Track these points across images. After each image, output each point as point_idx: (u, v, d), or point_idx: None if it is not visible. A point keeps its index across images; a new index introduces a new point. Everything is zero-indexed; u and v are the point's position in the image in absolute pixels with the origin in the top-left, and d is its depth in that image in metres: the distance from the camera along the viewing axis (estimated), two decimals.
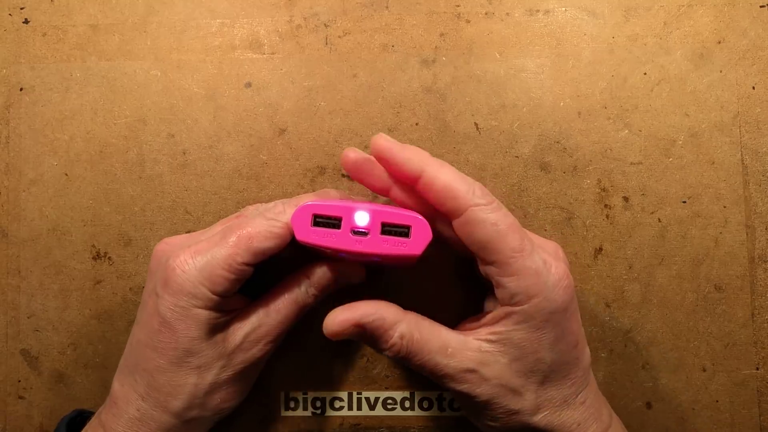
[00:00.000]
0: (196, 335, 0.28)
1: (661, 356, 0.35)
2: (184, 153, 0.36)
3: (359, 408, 0.35)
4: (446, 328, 0.28)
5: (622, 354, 0.35)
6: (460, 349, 0.27)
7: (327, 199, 0.28)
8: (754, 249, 0.35)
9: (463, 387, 0.27)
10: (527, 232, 0.29)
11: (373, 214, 0.26)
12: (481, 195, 0.26)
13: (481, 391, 0.27)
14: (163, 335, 0.28)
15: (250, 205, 0.33)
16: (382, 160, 0.28)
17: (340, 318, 0.27)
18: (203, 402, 0.29)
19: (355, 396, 0.35)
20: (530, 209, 0.35)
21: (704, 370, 0.35)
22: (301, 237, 0.27)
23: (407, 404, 0.35)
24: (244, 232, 0.28)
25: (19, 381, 0.36)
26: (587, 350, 0.29)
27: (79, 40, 0.37)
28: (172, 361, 0.28)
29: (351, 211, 0.26)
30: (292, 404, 0.35)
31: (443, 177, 0.27)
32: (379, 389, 0.35)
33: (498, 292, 0.27)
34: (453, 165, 0.35)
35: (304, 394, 0.35)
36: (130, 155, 0.36)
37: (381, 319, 0.27)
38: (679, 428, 0.34)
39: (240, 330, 0.29)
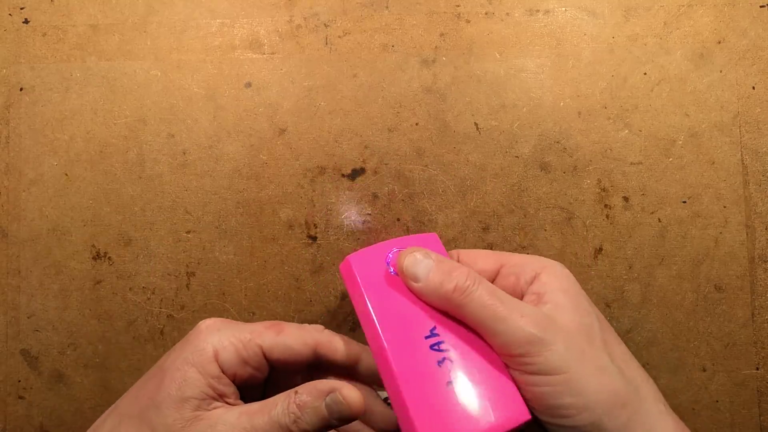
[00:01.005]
0: (173, 393, 0.26)
1: (661, 356, 0.35)
2: (184, 153, 0.36)
3: None
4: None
5: None
6: (524, 303, 0.27)
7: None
8: (754, 249, 0.35)
9: (543, 333, 0.26)
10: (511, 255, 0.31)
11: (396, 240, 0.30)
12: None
13: (559, 337, 0.26)
14: (151, 383, 0.27)
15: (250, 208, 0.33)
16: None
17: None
18: None
19: None
20: (530, 209, 0.35)
21: (704, 370, 0.35)
22: (350, 257, 0.29)
23: None
24: (278, 325, 0.29)
25: (19, 381, 0.36)
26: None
27: (79, 40, 0.37)
28: (139, 412, 0.27)
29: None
30: None
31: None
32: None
33: (518, 282, 0.29)
34: (453, 165, 0.36)
35: None
36: (130, 155, 0.36)
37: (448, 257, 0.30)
38: None
39: (211, 429, 0.26)
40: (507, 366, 0.27)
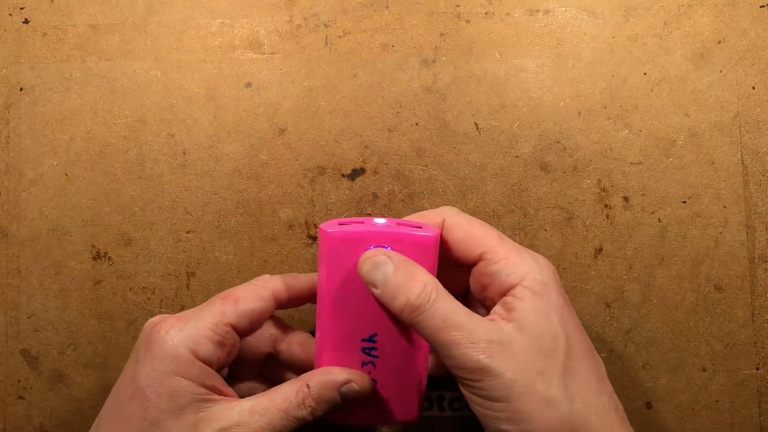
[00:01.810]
0: (166, 407, 0.25)
1: (661, 356, 0.35)
2: (184, 153, 0.36)
3: None
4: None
5: (622, 354, 0.35)
6: (482, 321, 0.26)
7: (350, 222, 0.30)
8: (754, 249, 0.35)
9: (490, 361, 0.25)
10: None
11: (389, 219, 0.29)
12: (455, 212, 0.30)
13: (508, 365, 0.25)
14: (133, 404, 0.26)
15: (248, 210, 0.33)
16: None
17: (375, 251, 0.28)
18: None
19: None
20: (530, 209, 0.35)
21: (704, 370, 0.35)
22: (329, 230, 0.28)
23: None
24: (231, 294, 0.28)
25: (19, 381, 0.36)
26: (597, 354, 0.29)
27: (79, 40, 0.37)
28: None
29: (368, 219, 0.29)
30: None
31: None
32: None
33: (493, 288, 0.28)
34: (453, 165, 0.36)
35: None
36: (130, 155, 0.36)
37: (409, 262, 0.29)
38: (679, 428, 0.34)
39: (216, 422, 0.26)
40: (458, 380, 0.27)
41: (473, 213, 0.35)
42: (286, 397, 0.27)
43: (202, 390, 0.26)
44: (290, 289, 0.30)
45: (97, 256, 0.36)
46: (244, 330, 0.29)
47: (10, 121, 0.37)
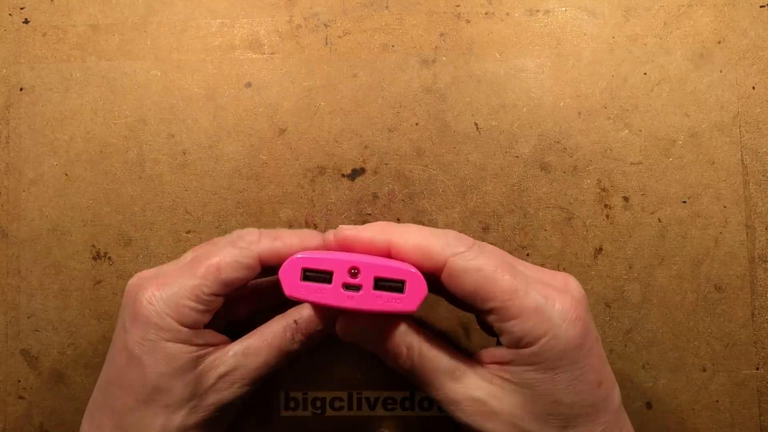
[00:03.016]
0: (164, 370, 0.26)
1: (661, 356, 0.35)
2: (184, 153, 0.36)
3: (359, 408, 0.35)
4: (460, 352, 0.27)
5: (622, 354, 0.35)
6: (471, 375, 0.26)
7: (317, 252, 0.27)
8: (754, 249, 0.35)
9: (470, 419, 0.26)
10: (525, 264, 0.27)
11: (366, 268, 0.25)
12: (458, 243, 0.25)
13: (492, 426, 0.25)
14: (131, 371, 0.27)
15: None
16: (351, 248, 0.27)
17: (352, 320, 0.27)
18: None
19: (355, 396, 0.35)
20: (530, 209, 0.35)
21: (704, 370, 0.35)
22: (290, 292, 0.26)
23: (407, 404, 0.35)
24: (212, 262, 0.27)
25: (19, 381, 0.36)
26: (616, 390, 0.27)
27: (79, 40, 0.37)
28: (140, 399, 0.26)
29: (343, 264, 0.26)
30: (292, 404, 0.35)
31: (411, 240, 0.26)
32: (379, 389, 0.35)
33: (503, 339, 0.26)
34: (453, 165, 0.36)
35: (304, 394, 0.35)
36: (130, 155, 0.36)
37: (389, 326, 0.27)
38: (679, 428, 0.34)
39: (214, 370, 0.27)
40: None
41: (473, 213, 0.35)
42: (276, 334, 0.28)
43: (194, 348, 0.27)
44: (280, 257, 0.28)
45: (97, 256, 0.36)
46: (228, 293, 0.28)
47: (10, 121, 0.37)
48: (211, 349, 0.28)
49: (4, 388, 0.36)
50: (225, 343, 0.28)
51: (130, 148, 0.36)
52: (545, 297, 0.25)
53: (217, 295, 0.27)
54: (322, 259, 0.26)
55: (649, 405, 0.35)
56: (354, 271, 0.25)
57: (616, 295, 0.35)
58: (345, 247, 0.27)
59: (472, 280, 0.25)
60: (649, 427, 0.35)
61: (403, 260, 0.26)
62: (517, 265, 0.27)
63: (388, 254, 0.26)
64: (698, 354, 0.35)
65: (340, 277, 0.25)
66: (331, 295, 0.25)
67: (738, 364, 0.35)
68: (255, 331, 0.29)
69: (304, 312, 0.28)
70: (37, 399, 0.36)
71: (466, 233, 0.35)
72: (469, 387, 0.26)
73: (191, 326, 0.27)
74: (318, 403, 0.35)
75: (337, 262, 0.26)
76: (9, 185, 0.36)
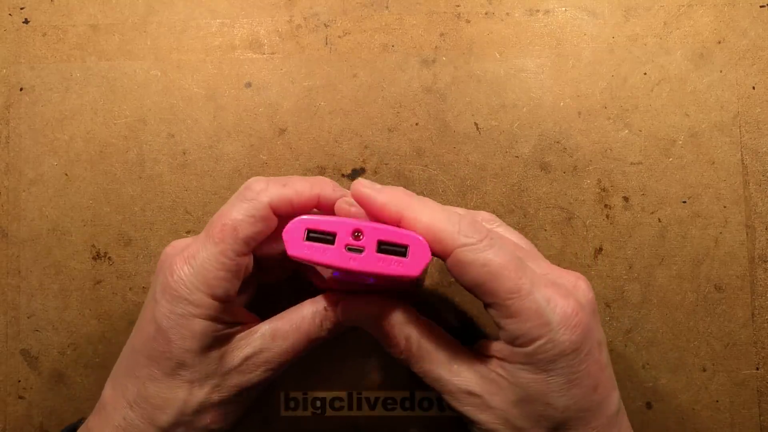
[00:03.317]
0: (190, 347, 0.26)
1: (661, 356, 0.35)
2: (184, 153, 0.36)
3: (359, 408, 0.35)
4: (459, 344, 0.28)
5: (622, 354, 0.35)
6: (467, 369, 0.26)
7: (322, 216, 0.27)
8: (754, 249, 0.35)
9: (464, 409, 0.26)
10: (538, 261, 0.27)
11: (370, 231, 0.25)
12: (469, 232, 0.25)
13: (485, 418, 0.26)
14: (157, 343, 0.26)
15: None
16: (363, 206, 0.27)
17: (353, 304, 0.27)
18: (191, 420, 0.27)
19: (355, 396, 0.35)
20: (530, 209, 0.35)
21: (704, 370, 0.35)
22: (292, 252, 0.25)
23: (407, 404, 0.35)
24: (227, 222, 0.26)
25: (19, 381, 0.36)
26: (615, 395, 0.26)
27: (79, 40, 0.37)
28: (165, 372, 0.27)
29: (347, 227, 0.25)
30: (292, 404, 0.35)
31: (424, 219, 0.25)
32: (379, 389, 0.35)
33: (501, 334, 0.26)
34: (453, 165, 0.36)
35: (304, 394, 0.35)
36: (130, 155, 0.36)
37: (390, 314, 0.27)
38: (679, 428, 0.34)
39: (240, 351, 0.27)
40: None
41: None
42: (305, 319, 0.28)
43: (221, 326, 0.27)
44: (292, 204, 0.27)
45: (97, 256, 0.36)
46: (251, 250, 0.27)
47: (10, 121, 0.37)
48: (238, 327, 0.28)
49: (4, 388, 0.36)
50: (254, 322, 0.28)
51: (130, 148, 0.36)
52: (548, 300, 0.25)
53: (241, 255, 0.26)
54: (327, 221, 0.25)
55: (649, 405, 0.35)
56: (357, 234, 0.25)
57: (616, 295, 0.35)
58: (359, 203, 0.27)
59: (476, 273, 0.24)
60: (649, 427, 0.35)
61: None
62: (528, 260, 0.26)
63: (398, 225, 0.26)
64: (698, 354, 0.35)
65: (344, 238, 0.25)
66: (334, 255, 0.25)
67: (738, 364, 0.35)
68: (284, 313, 0.29)
69: (333, 299, 0.28)
70: (37, 399, 0.36)
71: None
72: (465, 381, 0.26)
73: (223, 298, 0.26)
74: (318, 403, 0.35)
75: (341, 224, 0.25)
76: (9, 185, 0.36)
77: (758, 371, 0.34)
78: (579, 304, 0.25)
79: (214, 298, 0.26)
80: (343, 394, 0.35)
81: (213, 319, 0.26)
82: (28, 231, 0.36)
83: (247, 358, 0.27)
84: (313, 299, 0.29)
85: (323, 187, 0.28)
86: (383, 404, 0.35)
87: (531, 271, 0.25)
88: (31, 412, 0.35)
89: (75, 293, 0.36)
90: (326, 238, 0.25)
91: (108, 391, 0.28)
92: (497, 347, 0.26)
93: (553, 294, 0.25)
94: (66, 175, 0.36)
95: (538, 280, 0.25)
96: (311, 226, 0.25)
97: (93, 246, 0.36)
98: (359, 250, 0.25)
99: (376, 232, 0.25)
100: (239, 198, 0.27)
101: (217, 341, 0.27)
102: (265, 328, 0.28)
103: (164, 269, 0.27)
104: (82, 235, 0.36)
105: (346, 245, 0.25)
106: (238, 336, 0.28)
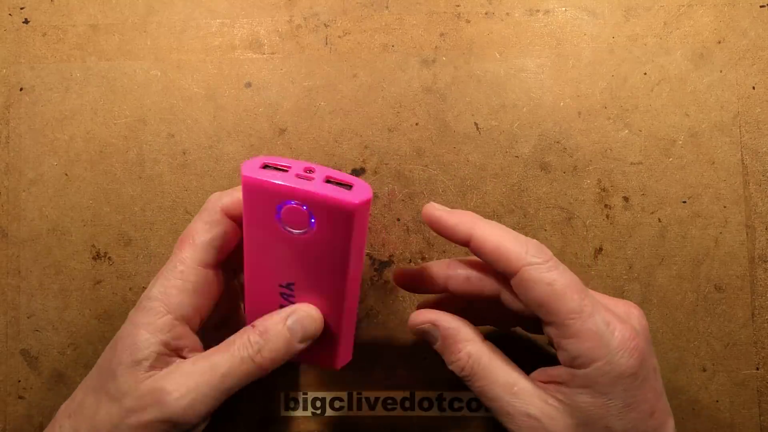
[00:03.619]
0: (124, 359, 0.26)
1: (661, 356, 0.35)
2: (184, 153, 0.36)
3: (359, 408, 0.35)
4: (520, 370, 0.28)
5: None
6: (527, 392, 0.27)
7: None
8: (754, 249, 0.35)
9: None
10: (591, 291, 0.28)
11: (321, 170, 0.26)
12: (536, 253, 0.26)
13: None
14: (108, 352, 0.27)
15: None
16: (434, 228, 0.28)
17: (423, 314, 0.28)
18: None
19: (355, 396, 0.35)
20: (530, 209, 0.35)
21: (704, 370, 0.35)
22: (248, 173, 0.25)
23: (407, 404, 0.35)
24: (186, 236, 0.28)
25: (19, 381, 0.36)
26: (670, 423, 0.27)
27: (79, 40, 0.37)
28: (101, 382, 0.27)
29: (300, 165, 0.26)
30: (292, 404, 0.35)
31: (492, 239, 0.26)
32: (379, 389, 0.35)
33: (559, 354, 0.26)
34: (453, 165, 0.36)
35: (304, 394, 0.35)
36: (130, 155, 0.36)
37: (456, 330, 0.28)
38: (679, 428, 0.34)
39: (164, 373, 0.26)
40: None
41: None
42: (233, 338, 0.27)
43: (163, 348, 0.26)
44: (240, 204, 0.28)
45: (97, 256, 0.36)
46: (217, 260, 0.28)
47: (10, 121, 0.37)
48: (175, 359, 0.27)
49: (4, 388, 0.36)
50: (197, 350, 0.28)
51: (130, 148, 0.36)
52: (607, 323, 0.25)
53: (202, 264, 0.27)
54: (283, 160, 0.27)
55: None
56: (309, 171, 0.26)
57: (616, 295, 0.35)
58: (429, 224, 0.28)
59: (542, 292, 0.25)
60: None
61: (480, 255, 0.27)
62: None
63: (467, 244, 0.27)
64: (698, 354, 0.35)
65: (295, 171, 0.26)
66: (286, 178, 0.26)
67: (738, 364, 0.35)
68: (221, 343, 0.28)
69: (264, 319, 0.28)
70: (37, 399, 0.36)
71: None
72: (525, 403, 0.26)
73: (180, 312, 0.27)
74: (318, 403, 0.35)
75: (295, 162, 0.27)
76: (9, 185, 0.36)
77: (758, 371, 0.34)
78: (635, 329, 0.26)
79: (169, 309, 0.26)
80: (343, 394, 0.35)
81: (156, 333, 0.26)
82: (28, 231, 0.36)
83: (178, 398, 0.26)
84: (246, 327, 0.28)
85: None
86: (383, 404, 0.35)
87: (591, 295, 0.26)
88: (31, 412, 0.35)
89: (75, 293, 0.36)
90: (280, 169, 0.26)
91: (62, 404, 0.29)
92: (556, 372, 0.27)
93: (611, 318, 0.26)
94: (66, 175, 0.36)
95: (598, 304, 0.26)
96: (267, 162, 0.26)
97: (93, 246, 0.36)
98: (309, 179, 0.26)
99: (325, 170, 0.26)
100: (196, 216, 0.28)
101: (149, 363, 0.26)
102: (198, 355, 0.27)
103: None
104: (82, 235, 0.36)
105: (297, 174, 0.26)
106: (173, 366, 0.26)
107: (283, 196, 0.25)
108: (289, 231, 0.26)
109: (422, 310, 0.29)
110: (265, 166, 0.26)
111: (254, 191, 0.26)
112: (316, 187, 0.25)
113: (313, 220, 0.26)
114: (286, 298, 0.28)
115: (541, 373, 0.28)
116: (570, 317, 0.25)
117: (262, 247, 0.27)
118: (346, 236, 0.26)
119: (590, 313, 0.25)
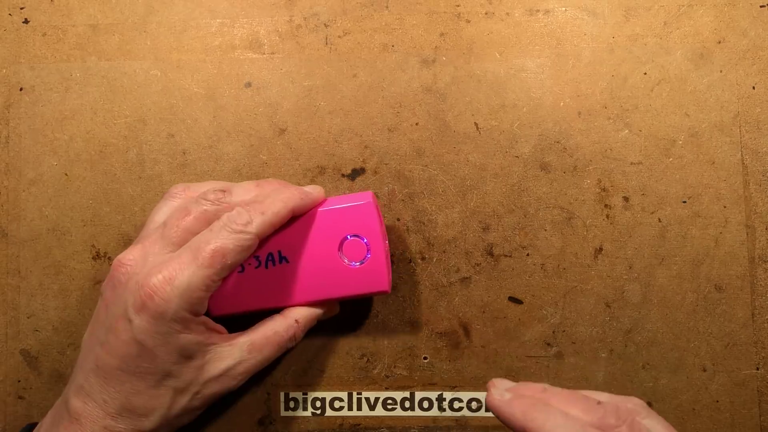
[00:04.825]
0: (176, 359, 0.29)
1: (661, 356, 0.35)
2: (184, 153, 0.36)
3: (359, 408, 0.35)
4: None
5: (622, 354, 0.35)
6: None
7: None
8: (754, 249, 0.35)
9: None
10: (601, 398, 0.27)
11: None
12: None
13: None
14: (142, 360, 0.28)
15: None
16: (494, 410, 0.27)
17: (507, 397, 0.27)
18: (171, 422, 0.30)
19: (355, 396, 0.35)
20: (530, 209, 0.35)
21: (704, 370, 0.35)
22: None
23: (407, 404, 0.35)
24: (216, 248, 0.28)
25: (19, 381, 0.36)
26: None
27: (79, 40, 0.37)
28: (151, 385, 0.28)
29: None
30: (292, 404, 0.35)
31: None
32: (379, 389, 0.35)
33: None
34: (453, 165, 0.36)
35: (304, 394, 0.35)
36: (130, 155, 0.36)
37: None
38: (679, 428, 0.34)
39: (220, 362, 0.30)
40: None
41: (473, 213, 0.35)
42: (278, 332, 0.31)
43: (203, 337, 0.29)
44: (274, 227, 0.30)
45: (97, 256, 0.36)
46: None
47: (10, 121, 0.37)
48: (217, 339, 0.30)
49: (4, 388, 0.36)
50: (222, 331, 0.31)
51: (130, 148, 0.36)
52: None
53: (222, 279, 0.29)
54: None
55: (649, 405, 0.35)
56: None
57: (616, 295, 0.35)
58: (489, 406, 0.27)
59: None
60: None
61: None
62: None
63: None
64: (698, 354, 0.35)
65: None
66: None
67: (738, 364, 0.35)
68: (257, 327, 0.31)
69: (302, 312, 0.32)
70: (37, 399, 0.36)
71: (466, 233, 0.35)
72: None
73: (201, 313, 0.29)
74: (318, 403, 0.35)
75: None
76: (9, 185, 0.36)
77: (758, 371, 0.34)
78: None
79: (195, 315, 0.29)
80: (343, 394, 0.35)
81: (196, 332, 0.29)
82: (28, 231, 0.36)
83: (227, 370, 0.30)
84: (282, 313, 0.32)
85: (293, 200, 0.31)
86: (383, 404, 0.35)
87: None
88: (31, 412, 0.35)
89: (75, 293, 0.36)
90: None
91: (78, 404, 0.28)
92: None
93: None
94: (66, 175, 0.36)
95: None
96: None
97: (93, 246, 0.36)
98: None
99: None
100: (223, 228, 0.29)
101: (200, 352, 0.29)
102: (242, 341, 0.31)
103: (133, 287, 0.28)
104: (82, 235, 0.36)
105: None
106: (217, 347, 0.30)
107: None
108: None
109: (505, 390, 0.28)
110: None
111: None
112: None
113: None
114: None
115: None
116: None
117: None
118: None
119: None
